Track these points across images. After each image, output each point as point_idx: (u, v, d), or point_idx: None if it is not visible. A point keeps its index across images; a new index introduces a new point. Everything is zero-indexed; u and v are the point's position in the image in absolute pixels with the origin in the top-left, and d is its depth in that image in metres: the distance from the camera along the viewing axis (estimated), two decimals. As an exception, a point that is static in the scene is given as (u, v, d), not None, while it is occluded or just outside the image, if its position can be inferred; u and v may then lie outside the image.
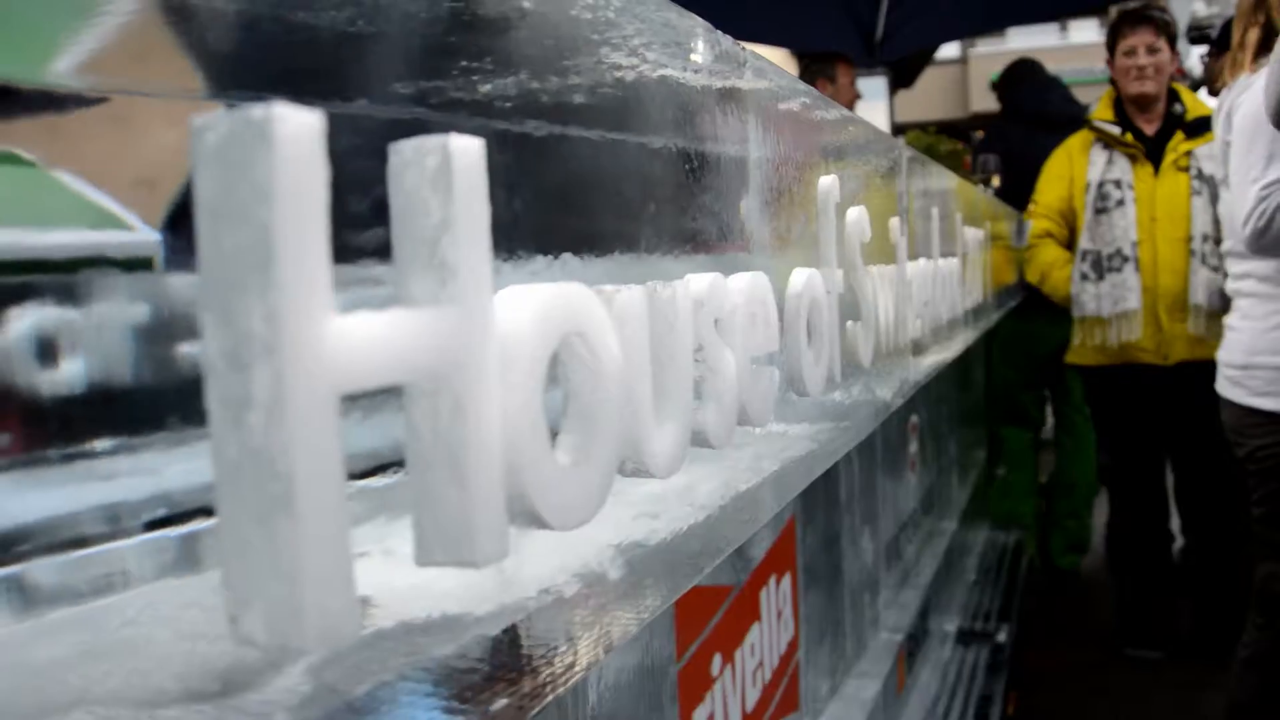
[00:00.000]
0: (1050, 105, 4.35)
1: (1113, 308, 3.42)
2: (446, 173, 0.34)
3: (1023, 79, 4.50)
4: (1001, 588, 3.40)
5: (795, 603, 1.49)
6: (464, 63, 0.48)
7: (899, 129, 6.98)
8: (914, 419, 2.38)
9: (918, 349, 1.40)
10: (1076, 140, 3.58)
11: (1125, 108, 3.44)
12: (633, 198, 0.66)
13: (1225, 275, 3.04)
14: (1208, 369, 3.09)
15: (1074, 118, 4.18)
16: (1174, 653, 3.50)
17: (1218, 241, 3.09)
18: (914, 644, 2.35)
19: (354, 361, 0.30)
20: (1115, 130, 3.44)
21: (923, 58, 8.91)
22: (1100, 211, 3.43)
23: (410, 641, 0.39)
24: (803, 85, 0.90)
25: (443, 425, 0.35)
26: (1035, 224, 3.69)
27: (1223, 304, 3.09)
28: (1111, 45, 3.48)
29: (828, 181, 0.87)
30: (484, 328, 0.36)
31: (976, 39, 16.18)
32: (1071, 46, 24.22)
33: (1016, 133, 4.26)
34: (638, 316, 0.50)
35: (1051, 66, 4.80)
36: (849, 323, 0.96)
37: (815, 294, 0.80)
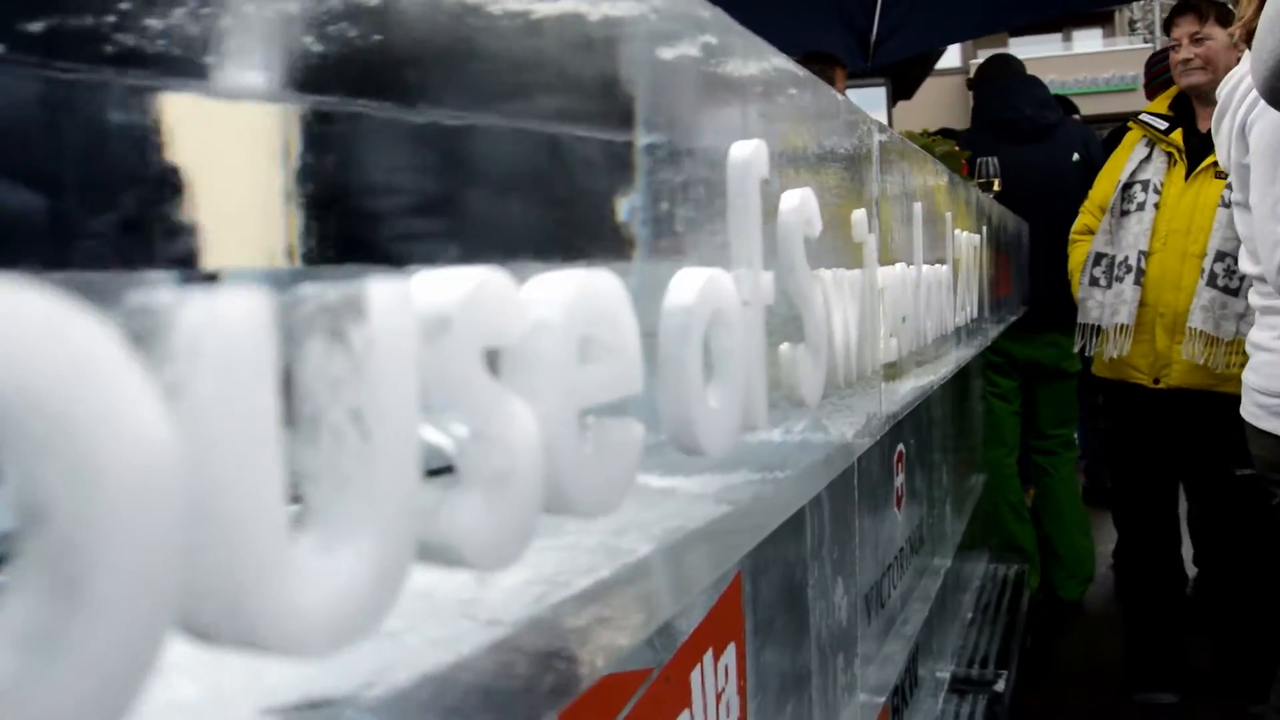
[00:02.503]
0: (1014, 113, 3.95)
1: (1109, 319, 3.17)
2: None
3: (993, 80, 4.14)
4: (1001, 627, 3.14)
5: (742, 679, 1.23)
6: None
7: (897, 138, 6.68)
8: (900, 449, 2.12)
9: (894, 374, 1.14)
10: (1131, 135, 3.32)
11: (1192, 102, 3.14)
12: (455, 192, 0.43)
13: (1236, 297, 2.79)
14: (1208, 399, 2.83)
15: (1046, 128, 3.90)
16: (1190, 695, 3.22)
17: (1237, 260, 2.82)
18: (900, 700, 2.09)
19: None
20: (1160, 125, 3.16)
21: (923, 67, 8.67)
22: (1124, 214, 3.16)
23: None
24: (717, 19, 0.65)
25: None
26: (1079, 219, 3.44)
27: (1230, 331, 2.82)
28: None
29: (745, 150, 0.61)
30: None
31: (978, 49, 15.96)
32: (1074, 56, 24.09)
33: (981, 140, 3.91)
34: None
35: (1054, 77, 4.51)
36: (784, 345, 0.70)
37: (720, 305, 0.55)
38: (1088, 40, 25.79)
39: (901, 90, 8.52)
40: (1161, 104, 3.23)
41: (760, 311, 0.62)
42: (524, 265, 0.49)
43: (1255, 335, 2.25)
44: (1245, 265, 2.24)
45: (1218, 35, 3.03)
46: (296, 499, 0.29)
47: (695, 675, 1.09)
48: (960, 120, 4.34)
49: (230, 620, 0.25)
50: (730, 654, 1.19)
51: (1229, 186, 2.86)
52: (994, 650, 2.93)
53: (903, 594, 2.27)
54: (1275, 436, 2.13)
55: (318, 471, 0.29)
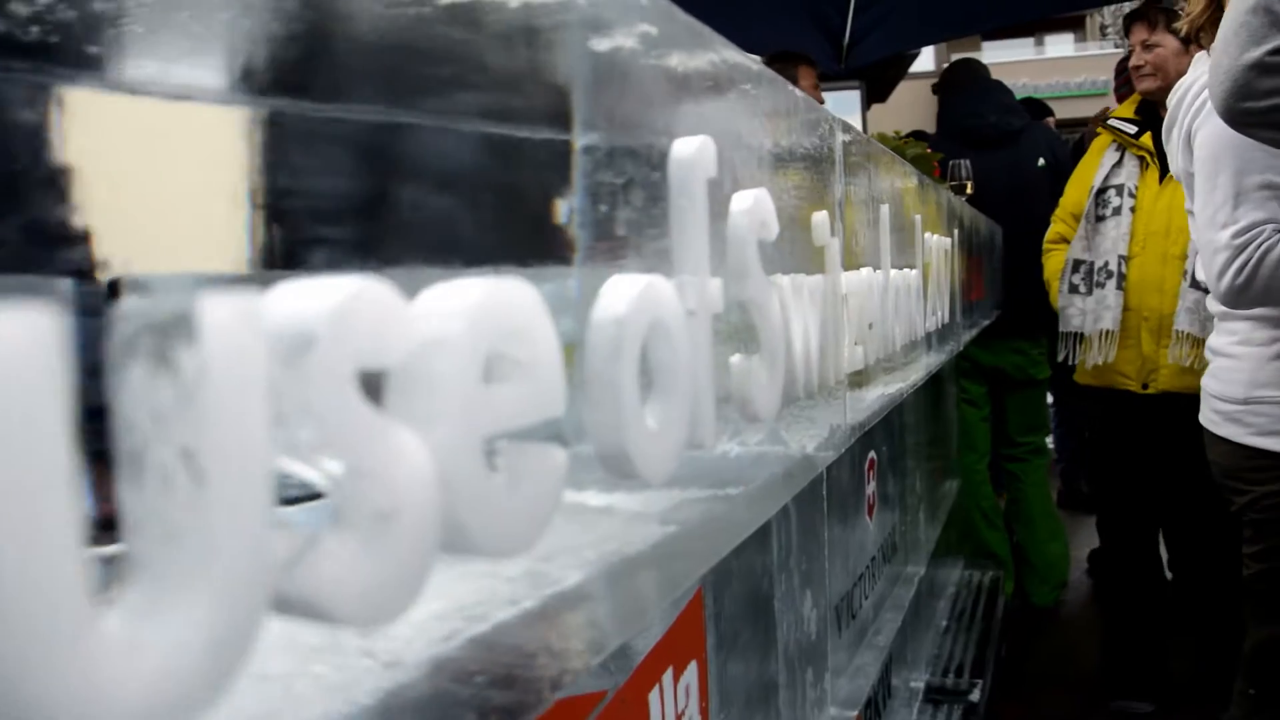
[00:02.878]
0: (978, 119, 3.91)
1: (1092, 325, 3.14)
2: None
3: (957, 87, 4.09)
4: (976, 634, 3.10)
5: (704, 698, 1.18)
6: None
7: (870, 142, 6.64)
8: (872, 456, 2.08)
9: (860, 383, 1.10)
10: (1100, 141, 3.29)
11: (1157, 107, 3.08)
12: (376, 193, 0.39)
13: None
14: (1195, 402, 2.79)
15: (1011, 134, 3.87)
16: (1166, 703, 3.18)
17: None
18: (873, 712, 2.05)
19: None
20: (1129, 130, 3.14)
21: (897, 71, 8.65)
22: (1099, 219, 3.13)
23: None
24: (658, 6, 0.60)
25: None
26: (1052, 228, 3.41)
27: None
28: None
29: (690, 148, 0.57)
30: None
31: (951, 54, 15.97)
32: (1046, 60, 24.17)
33: (947, 148, 3.86)
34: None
35: (1026, 81, 4.48)
36: (736, 356, 0.66)
37: (659, 315, 0.50)
38: (1060, 45, 25.88)
39: (876, 93, 8.50)
40: (1128, 108, 3.22)
41: (707, 321, 0.57)
42: (454, 271, 0.44)
43: (1214, 341, 2.22)
44: (1199, 273, 2.21)
45: (1167, 42, 3.02)
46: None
47: (654, 696, 1.05)
48: (934, 124, 4.30)
49: (13, 710, 0.21)
50: (691, 672, 1.15)
51: None
52: (969, 658, 2.89)
53: (875, 603, 2.23)
54: (1232, 443, 2.11)
55: (141, 520, 0.24)
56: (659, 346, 0.51)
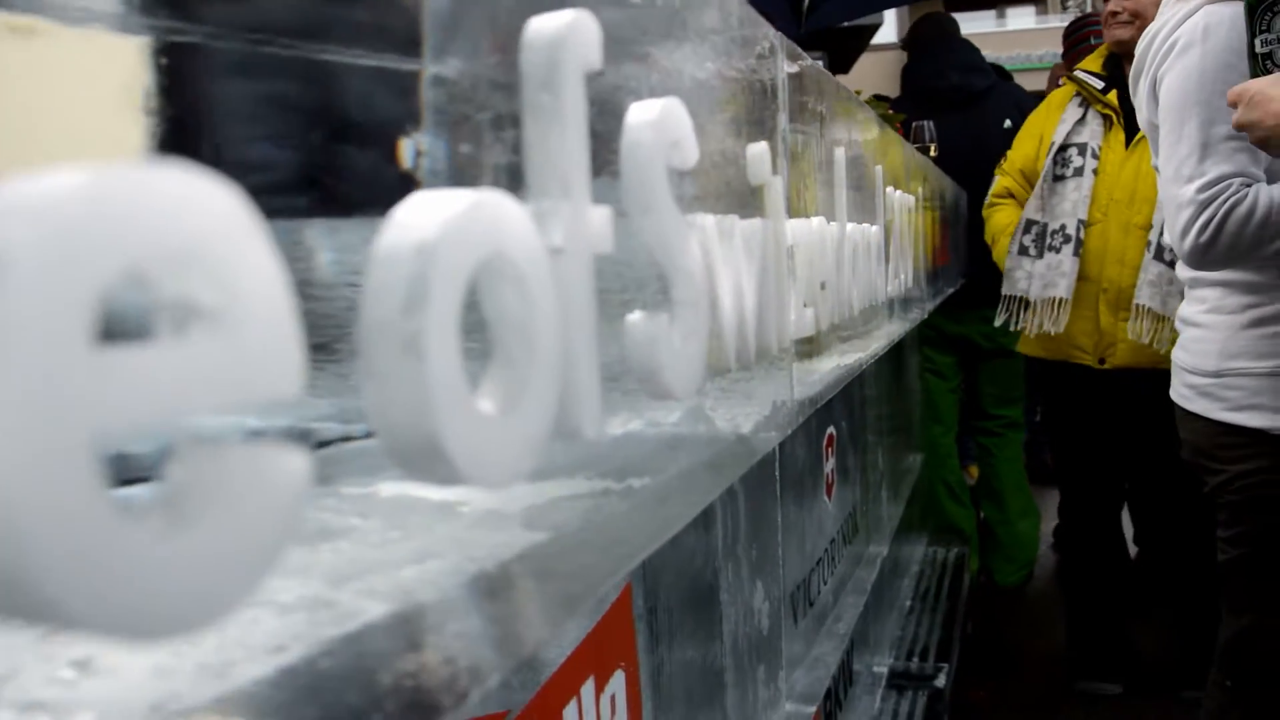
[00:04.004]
0: (941, 80, 3.73)
1: (1040, 291, 2.95)
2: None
3: (922, 43, 3.90)
4: (941, 615, 2.97)
5: (635, 709, 1.03)
6: None
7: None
8: (830, 431, 1.93)
9: (810, 352, 0.95)
10: (1059, 93, 3.11)
11: (1123, 63, 2.85)
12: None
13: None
14: (1153, 377, 2.66)
15: (975, 95, 3.71)
16: (1133, 684, 3.07)
17: None
18: (834, 704, 1.91)
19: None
20: (1097, 85, 2.95)
21: (860, 41, 8.49)
22: (1058, 179, 2.95)
23: None
24: None
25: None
26: (998, 181, 3.23)
27: (1176, 308, 2.65)
28: None
29: (553, 24, 0.41)
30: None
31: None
32: (1009, 33, 24.10)
33: (910, 109, 3.70)
34: None
35: (988, 53, 4.27)
36: (635, 314, 0.50)
37: (498, 249, 0.35)
38: (1021, 17, 25.81)
39: (839, 64, 8.35)
40: (1094, 62, 3.03)
41: (584, 263, 0.42)
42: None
43: (1185, 310, 2.06)
44: (1166, 236, 2.06)
45: None
46: None
47: (570, 711, 0.90)
48: (895, 93, 4.14)
49: None
50: (618, 681, 1.00)
51: None
52: (934, 640, 2.77)
53: (835, 588, 2.09)
54: (1205, 419, 1.96)
55: None
56: (501, 294, 0.35)
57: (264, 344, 0.24)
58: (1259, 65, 1.66)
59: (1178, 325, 2.09)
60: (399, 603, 0.38)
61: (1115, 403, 2.94)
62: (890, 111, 3.34)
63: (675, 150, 0.53)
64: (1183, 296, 2.59)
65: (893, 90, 4.19)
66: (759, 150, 0.72)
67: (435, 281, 0.31)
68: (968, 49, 3.85)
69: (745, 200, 0.72)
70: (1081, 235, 2.89)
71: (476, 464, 0.33)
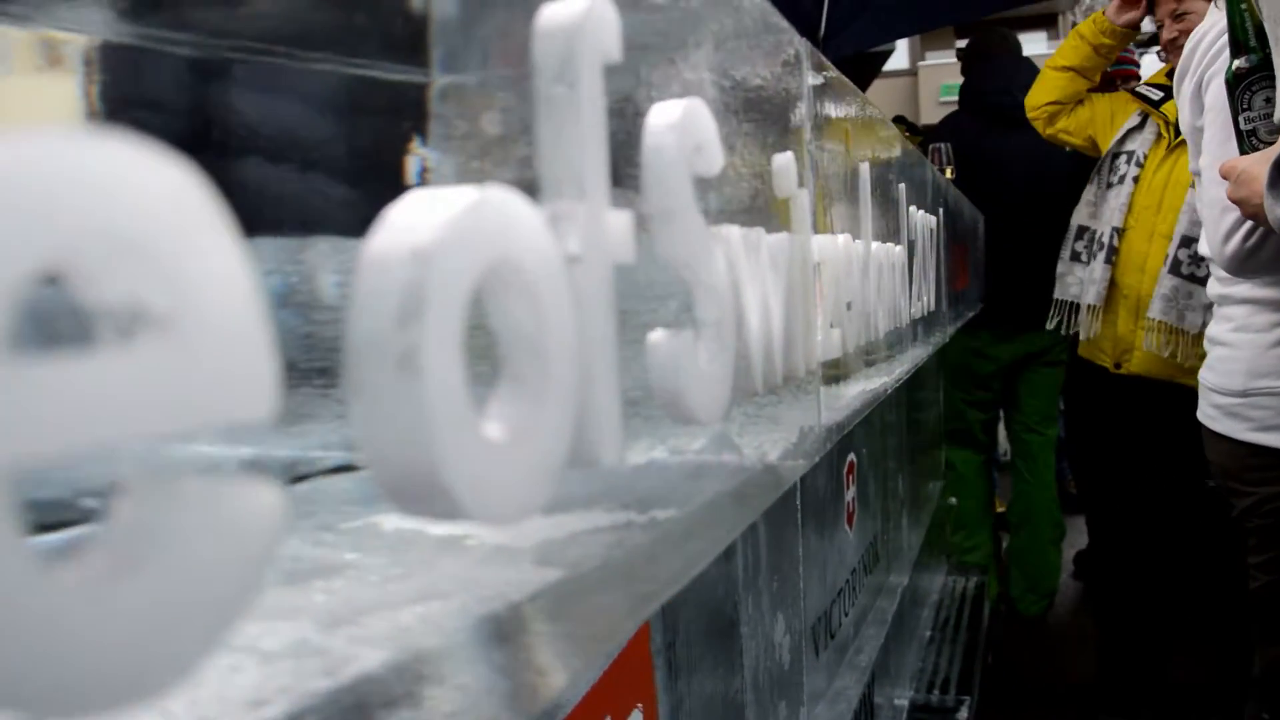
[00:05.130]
0: (1008, 96, 3.57)
1: (1078, 297, 2.98)
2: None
3: (986, 58, 3.78)
4: (961, 645, 2.91)
5: (657, 755, 0.98)
6: None
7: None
8: (851, 458, 1.88)
9: (837, 375, 0.91)
10: (1122, 97, 3.10)
11: None
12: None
13: (1204, 286, 2.58)
14: (1169, 390, 2.61)
15: None
16: (1160, 717, 3.00)
17: None
18: (854, 739, 1.86)
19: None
20: (1155, 96, 2.92)
21: (872, 68, 8.46)
22: (1107, 186, 2.94)
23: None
24: None
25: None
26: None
27: (1196, 323, 2.61)
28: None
29: (570, 10, 0.37)
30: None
31: (926, 51, 15.79)
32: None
33: (970, 123, 3.66)
34: None
35: None
36: (658, 332, 0.46)
37: (510, 253, 0.31)
38: (1033, 43, 25.81)
39: (852, 88, 8.32)
40: (1161, 75, 3.01)
41: (604, 273, 0.38)
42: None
43: (1212, 329, 2.01)
44: (1203, 247, 2.01)
45: (1196, 7, 2.79)
46: None
47: (587, 759, 0.85)
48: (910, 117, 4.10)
49: None
50: (635, 719, 0.95)
51: None
52: (955, 672, 2.70)
53: (856, 620, 2.04)
54: (1233, 440, 1.91)
55: None
56: (509, 305, 0.31)
57: (226, 358, 0.20)
58: (1244, 142, 1.64)
59: (1206, 344, 2.03)
60: (397, 650, 0.34)
61: (1130, 410, 2.90)
62: (907, 134, 3.30)
63: (699, 155, 0.49)
64: (1204, 311, 2.56)
65: (906, 114, 4.15)
66: (785, 161, 0.68)
67: (434, 289, 0.27)
68: (1031, 68, 3.68)
69: (770, 214, 0.68)
70: (1115, 243, 2.87)
71: (481, 498, 0.29)
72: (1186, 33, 2.72)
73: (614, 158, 0.46)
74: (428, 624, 0.37)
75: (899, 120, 3.82)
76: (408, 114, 0.50)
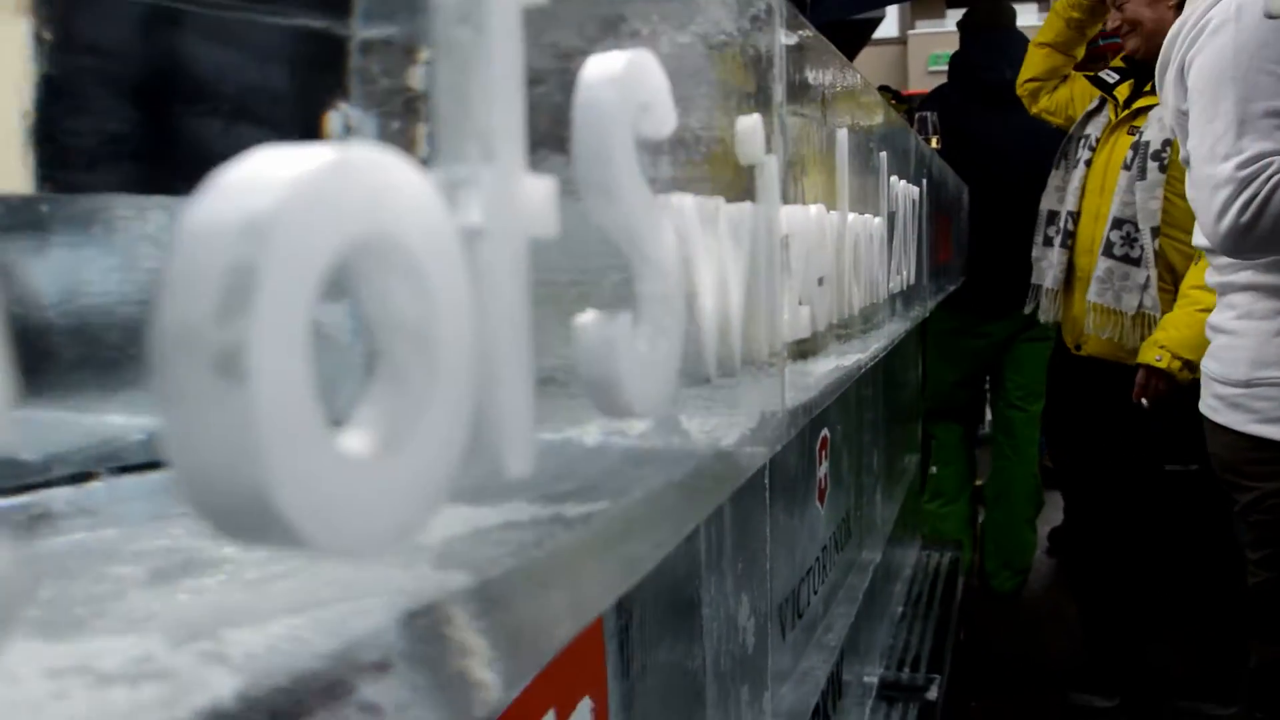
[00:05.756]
0: (994, 73, 3.50)
1: (1041, 280, 3.00)
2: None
3: (976, 31, 3.69)
4: (933, 622, 2.89)
5: (608, 746, 0.94)
6: None
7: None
8: (825, 434, 1.84)
9: (805, 354, 0.86)
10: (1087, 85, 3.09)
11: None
12: None
13: (1138, 267, 2.57)
14: (1122, 371, 2.58)
15: None
16: (1131, 697, 2.98)
17: (1137, 226, 2.60)
18: (821, 718, 1.82)
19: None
20: (1111, 79, 2.89)
21: (861, 35, 8.36)
22: (1068, 170, 2.93)
23: None
24: None
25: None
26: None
27: (1133, 304, 2.61)
28: None
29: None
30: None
31: (915, 20, 15.64)
32: (1012, 29, 23.91)
33: (955, 99, 3.56)
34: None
35: None
36: (586, 315, 0.41)
37: (380, 229, 0.25)
38: (1024, 15, 25.67)
39: (840, 56, 8.23)
40: (1118, 60, 2.98)
41: (513, 249, 0.32)
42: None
43: (1215, 318, 1.96)
44: (1196, 238, 1.96)
45: None
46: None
47: (531, 752, 0.81)
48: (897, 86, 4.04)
49: None
50: (583, 712, 0.91)
51: (1133, 148, 2.62)
52: (926, 649, 2.68)
53: (825, 598, 2.00)
54: (1235, 433, 1.86)
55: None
56: (385, 290, 0.26)
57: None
58: None
59: (1208, 333, 1.98)
60: (252, 676, 0.29)
61: (1089, 390, 2.90)
62: (893, 102, 3.24)
63: (646, 115, 0.44)
64: (1141, 292, 2.56)
65: (893, 83, 4.09)
66: (751, 124, 0.63)
67: (269, 272, 0.21)
68: (1022, 43, 3.52)
69: (733, 182, 0.63)
70: (1070, 226, 2.86)
71: (333, 524, 0.24)
72: (1129, 21, 2.70)
73: (551, 119, 0.41)
74: (297, 642, 0.31)
75: (883, 89, 3.75)
76: (330, 68, 0.45)
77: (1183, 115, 1.81)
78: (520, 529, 0.41)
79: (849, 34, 7.53)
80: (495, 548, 0.39)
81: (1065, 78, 3.14)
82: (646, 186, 0.44)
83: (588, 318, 0.39)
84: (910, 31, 16.41)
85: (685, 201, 0.50)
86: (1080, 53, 3.15)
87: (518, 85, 0.32)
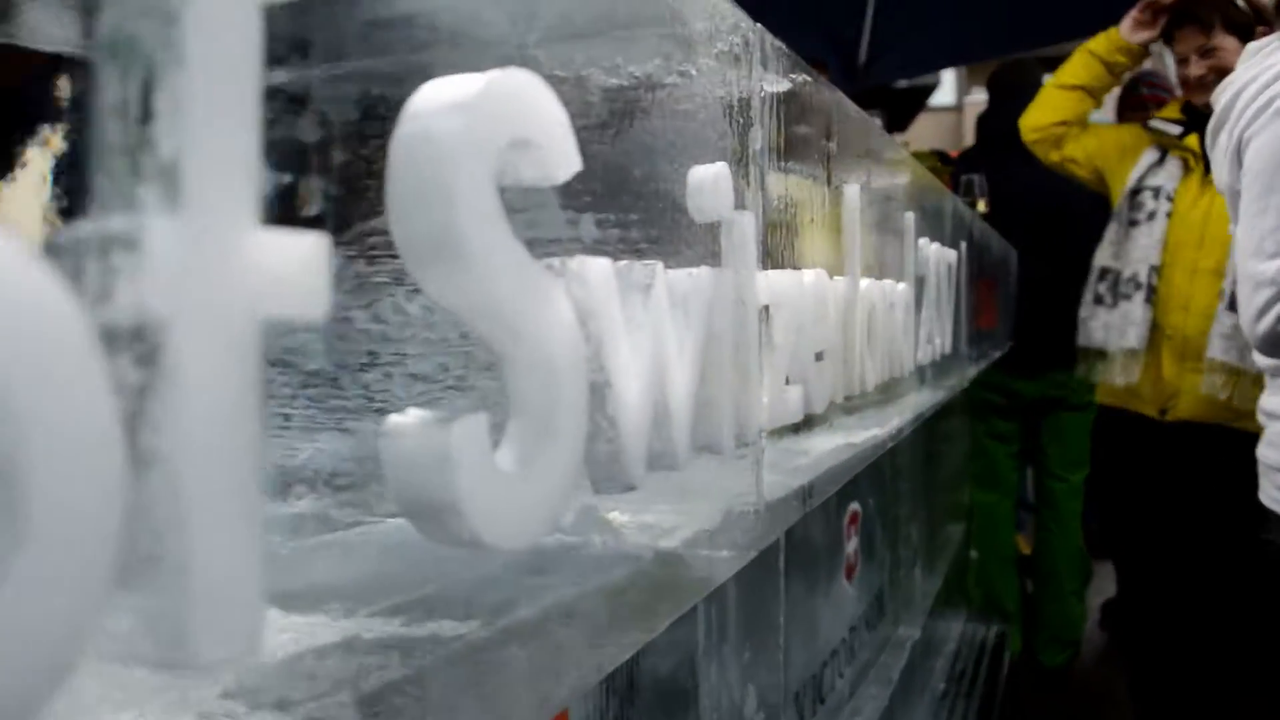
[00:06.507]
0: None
1: (1116, 341, 2.77)
2: None
3: (1005, 88, 3.63)
4: (977, 700, 2.73)
5: None
6: None
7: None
8: (854, 508, 1.72)
9: (805, 430, 0.76)
10: (1130, 134, 2.94)
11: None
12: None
13: None
14: (1222, 435, 2.43)
15: None
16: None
17: None
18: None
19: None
20: (1174, 130, 2.76)
21: (917, 101, 8.27)
22: (1132, 224, 2.76)
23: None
24: None
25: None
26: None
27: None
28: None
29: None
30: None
31: (972, 85, 15.51)
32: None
33: (986, 155, 3.49)
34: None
35: None
36: (401, 417, 0.31)
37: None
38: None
39: (896, 123, 8.16)
40: (1173, 109, 2.85)
41: (221, 340, 0.23)
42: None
43: (1265, 401, 1.81)
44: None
45: (1228, 44, 2.61)
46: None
47: None
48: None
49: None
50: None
51: None
52: (968, 733, 2.52)
53: (853, 679, 1.87)
54: None
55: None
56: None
57: None
58: None
59: (1261, 419, 1.83)
60: None
61: (1175, 459, 2.71)
62: (940, 164, 3.13)
63: (522, 155, 0.34)
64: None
65: (951, 149, 3.99)
66: (707, 176, 0.53)
67: None
68: None
69: (686, 243, 0.53)
70: (1154, 282, 2.70)
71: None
72: (1216, 70, 2.55)
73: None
74: None
75: (933, 152, 3.65)
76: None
77: (1234, 193, 1.69)
78: (351, 655, 0.32)
79: (905, 101, 7.44)
80: (331, 678, 0.30)
81: (1085, 126, 3.02)
82: (519, 248, 0.34)
83: (400, 420, 0.29)
84: (966, 98, 16.28)
85: (593, 267, 0.40)
86: (1103, 100, 3.04)
87: (248, 110, 0.23)
